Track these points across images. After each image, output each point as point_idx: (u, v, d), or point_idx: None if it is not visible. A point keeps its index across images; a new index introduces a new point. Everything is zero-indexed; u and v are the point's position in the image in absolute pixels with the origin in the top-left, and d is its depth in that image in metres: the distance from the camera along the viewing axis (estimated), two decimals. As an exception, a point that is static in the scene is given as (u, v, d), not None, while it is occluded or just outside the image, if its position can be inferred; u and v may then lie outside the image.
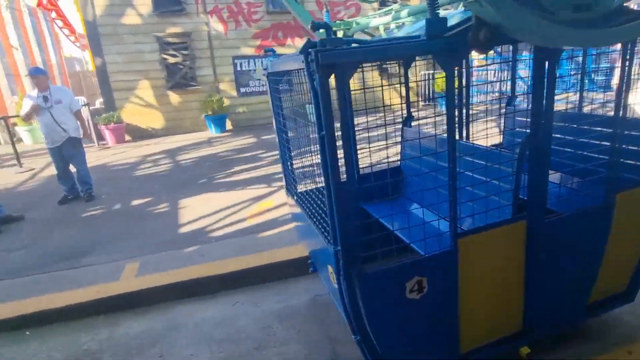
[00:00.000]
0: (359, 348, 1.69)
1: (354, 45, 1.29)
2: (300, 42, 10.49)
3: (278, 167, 5.79)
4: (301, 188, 2.40)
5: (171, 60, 9.53)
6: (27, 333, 2.54)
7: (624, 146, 1.76)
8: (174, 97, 9.85)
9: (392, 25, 3.01)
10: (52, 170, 5.12)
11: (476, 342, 1.81)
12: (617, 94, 1.65)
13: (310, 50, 1.22)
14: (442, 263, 1.56)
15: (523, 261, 1.73)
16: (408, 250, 1.72)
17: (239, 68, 10.17)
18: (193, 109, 9.95)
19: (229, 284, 2.93)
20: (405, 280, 1.52)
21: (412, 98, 11.82)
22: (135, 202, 4.75)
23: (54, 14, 16.04)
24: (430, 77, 11.67)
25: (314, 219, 1.99)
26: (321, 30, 1.44)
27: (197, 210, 4.30)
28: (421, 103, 12.02)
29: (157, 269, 3.03)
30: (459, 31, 1.30)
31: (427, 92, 11.89)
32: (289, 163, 2.46)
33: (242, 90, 10.34)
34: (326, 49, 1.20)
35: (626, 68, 1.60)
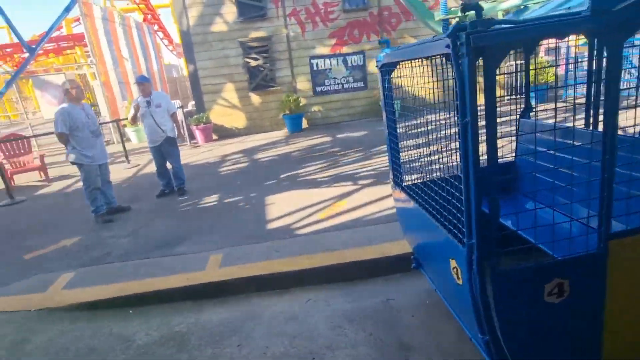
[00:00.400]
0: (484, 350, 1.62)
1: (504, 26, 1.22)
2: (375, 38, 10.34)
3: (353, 166, 5.80)
4: (408, 181, 2.39)
5: (253, 63, 10.09)
6: (131, 312, 2.92)
7: None
8: (255, 98, 10.44)
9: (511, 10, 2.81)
10: (153, 167, 5.79)
11: (621, 357, 1.64)
12: None
13: (459, 32, 1.17)
14: (589, 266, 1.44)
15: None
16: (532, 250, 1.58)
17: (315, 68, 10.38)
18: (272, 108, 10.44)
19: (302, 280, 3.01)
20: (545, 281, 1.43)
21: (499, 92, 10.96)
22: (221, 197, 5.15)
23: (156, 27, 18.14)
24: (519, 69, 10.65)
25: (432, 212, 1.92)
26: (469, 13, 1.36)
27: (275, 206, 4.50)
28: (505, 98, 11.03)
29: (238, 261, 3.24)
30: (633, 4, 1.16)
31: (515, 85, 10.86)
32: (397, 156, 2.45)
33: (318, 89, 10.54)
34: (478, 31, 1.15)
35: None
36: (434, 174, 2.11)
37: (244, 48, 10.01)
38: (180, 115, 8.74)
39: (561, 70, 10.66)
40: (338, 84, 10.58)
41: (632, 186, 1.59)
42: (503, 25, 1.22)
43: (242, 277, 3.02)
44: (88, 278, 3.30)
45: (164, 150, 5.35)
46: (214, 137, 10.40)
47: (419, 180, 2.26)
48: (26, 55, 6.88)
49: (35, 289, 3.23)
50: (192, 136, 10.14)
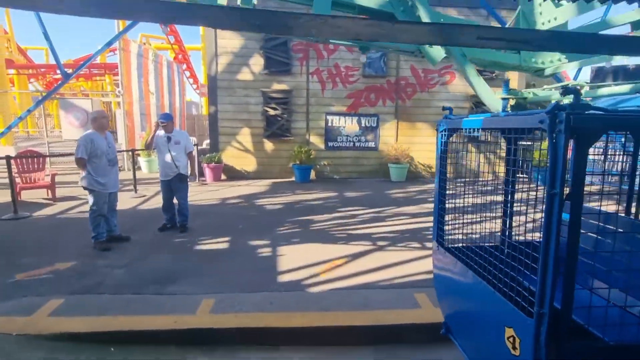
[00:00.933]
0: None
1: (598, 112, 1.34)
2: (390, 104, 10.85)
3: (359, 226, 5.83)
4: (454, 243, 2.40)
5: (271, 112, 10.55)
6: (112, 349, 2.83)
7: None
8: (269, 145, 10.76)
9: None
10: (159, 199, 5.87)
11: None
12: None
13: (558, 111, 1.31)
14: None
15: None
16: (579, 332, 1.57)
17: (329, 123, 10.81)
18: (283, 157, 10.72)
19: (293, 338, 2.93)
20: None
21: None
22: (221, 239, 5.15)
23: (184, 66, 19.29)
24: (521, 149, 10.98)
25: (486, 277, 1.91)
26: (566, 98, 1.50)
27: (273, 256, 4.49)
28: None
29: (231, 308, 3.18)
30: None
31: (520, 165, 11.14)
32: (443, 217, 2.46)
33: (330, 144, 10.88)
34: (578, 112, 1.28)
35: None
36: (479, 239, 2.22)
37: (265, 98, 10.53)
38: (194, 153, 9.00)
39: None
40: (350, 141, 10.93)
41: None
42: (596, 112, 1.34)
43: (232, 327, 2.95)
44: (76, 307, 3.24)
45: (174, 185, 5.46)
46: (223, 177, 10.59)
47: (466, 244, 2.28)
48: (58, 76, 7.29)
49: (20, 311, 3.16)
50: (201, 173, 10.34)
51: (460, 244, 2.33)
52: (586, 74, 11.13)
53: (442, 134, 2.43)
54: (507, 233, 2.16)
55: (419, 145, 11.10)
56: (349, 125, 10.86)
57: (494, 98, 3.02)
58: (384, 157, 10.64)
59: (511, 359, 1.60)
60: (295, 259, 4.40)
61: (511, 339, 1.65)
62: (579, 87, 2.64)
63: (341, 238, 5.21)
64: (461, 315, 2.33)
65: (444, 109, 2.48)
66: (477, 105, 10.94)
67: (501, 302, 1.72)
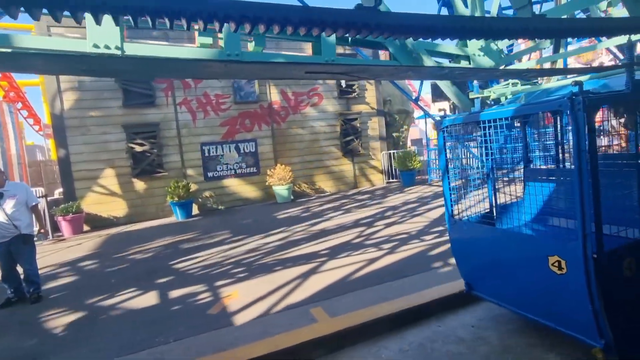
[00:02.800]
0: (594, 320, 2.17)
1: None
2: (266, 128, 11.05)
3: (243, 256, 5.65)
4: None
5: (138, 148, 9.63)
6: None
7: None
8: (139, 184, 9.76)
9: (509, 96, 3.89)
10: (-4, 270, 4.70)
11: None
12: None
13: (575, 97, 2.03)
14: None
15: None
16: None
17: (207, 154, 10.41)
18: (158, 195, 9.84)
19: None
20: (623, 258, 2.24)
21: (378, 175, 12.43)
22: (89, 301, 4.37)
23: (19, 105, 16.20)
24: (391, 157, 12.47)
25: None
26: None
27: (156, 305, 4.00)
28: (385, 181, 12.61)
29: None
30: None
31: (390, 170, 12.57)
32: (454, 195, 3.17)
33: (210, 174, 10.46)
34: (588, 95, 2.04)
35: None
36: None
37: (128, 133, 9.58)
38: (42, 205, 7.55)
39: (426, 156, 12.80)
40: (230, 169, 10.70)
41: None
42: (594, 95, 2.10)
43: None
44: None
45: (14, 249, 4.45)
46: (86, 228, 9.14)
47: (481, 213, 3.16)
48: None
49: None
50: (56, 228, 8.72)
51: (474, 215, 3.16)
52: (427, 86, 13.24)
53: (444, 130, 3.09)
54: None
55: (300, 164, 11.54)
56: (227, 153, 10.64)
57: (465, 99, 3.55)
58: (267, 180, 10.71)
59: (557, 280, 2.30)
60: (181, 302, 4.01)
61: (556, 264, 2.31)
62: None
63: (231, 270, 4.98)
64: (488, 268, 2.99)
65: (441, 116, 3.18)
66: (346, 122, 11.99)
67: (540, 240, 2.61)
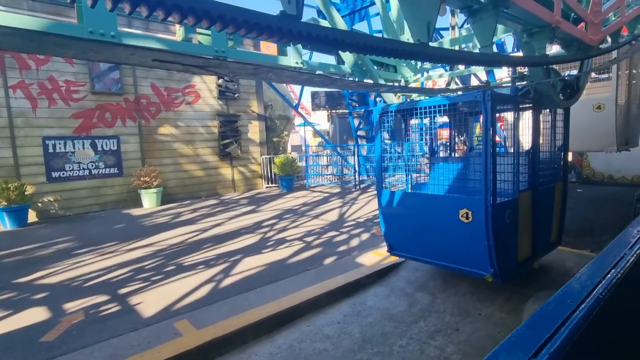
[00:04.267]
0: (481, 263, 3.28)
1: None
2: (131, 124, 9.86)
3: (92, 272, 4.84)
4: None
5: (-54, 138, 7.44)
6: None
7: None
8: (-54, 185, 7.53)
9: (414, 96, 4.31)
10: None
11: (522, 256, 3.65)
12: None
13: (485, 93, 3.13)
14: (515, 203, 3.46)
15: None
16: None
17: (51, 150, 8.69)
18: (-23, 198, 7.75)
19: None
20: (507, 209, 3.34)
21: (257, 180, 12.32)
22: None
23: None
24: (271, 162, 12.54)
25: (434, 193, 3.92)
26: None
27: (-41, 341, 3.07)
28: (264, 185, 12.60)
29: None
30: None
31: (269, 174, 12.61)
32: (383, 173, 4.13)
33: (55, 174, 8.75)
34: (490, 93, 3.13)
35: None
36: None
37: None
38: None
39: (308, 162, 13.23)
40: (84, 169, 9.16)
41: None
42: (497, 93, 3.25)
43: None
44: None
45: None
46: None
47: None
48: None
49: None
50: None
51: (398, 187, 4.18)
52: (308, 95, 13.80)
53: (380, 117, 4.00)
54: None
55: (172, 166, 10.63)
56: (80, 150, 9.09)
57: (393, 98, 4.15)
58: (132, 182, 9.52)
59: (464, 227, 3.29)
60: (5, 331, 3.19)
61: (464, 215, 3.29)
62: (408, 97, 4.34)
63: (75, 289, 4.21)
64: (408, 229, 3.90)
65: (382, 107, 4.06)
66: (225, 124, 11.58)
67: (454, 198, 3.48)
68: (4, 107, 8.12)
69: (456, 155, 4.68)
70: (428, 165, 4.48)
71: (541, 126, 3.86)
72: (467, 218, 3.26)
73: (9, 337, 3.12)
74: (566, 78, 3.78)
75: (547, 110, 3.95)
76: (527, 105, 3.75)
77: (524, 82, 3.48)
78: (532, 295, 3.53)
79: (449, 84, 5.32)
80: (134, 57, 1.15)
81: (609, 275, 1.05)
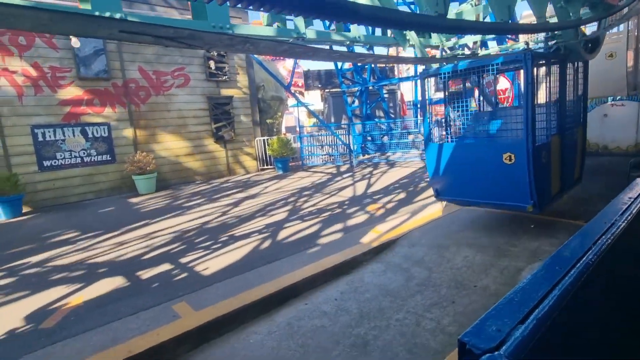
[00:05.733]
0: (522, 197, 3.99)
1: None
2: (121, 110, 9.69)
3: (94, 255, 4.84)
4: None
5: None
6: None
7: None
8: (-64, 177, 7.43)
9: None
10: None
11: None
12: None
13: (526, 54, 3.71)
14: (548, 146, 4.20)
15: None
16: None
17: (40, 138, 8.55)
18: (-31, 190, 7.67)
19: None
20: (543, 150, 4.04)
21: (252, 162, 12.26)
22: None
23: None
24: (264, 143, 12.44)
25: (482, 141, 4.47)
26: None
27: (-41, 331, 3.10)
28: (258, 168, 12.54)
29: None
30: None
31: (264, 157, 12.54)
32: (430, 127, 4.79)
33: (46, 163, 8.64)
34: (532, 54, 3.76)
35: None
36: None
37: None
38: None
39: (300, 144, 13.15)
40: (76, 156, 9.05)
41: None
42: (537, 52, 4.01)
43: None
44: None
45: None
46: None
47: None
48: None
49: None
50: None
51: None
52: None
53: (423, 80, 4.68)
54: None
55: (165, 151, 10.53)
56: (70, 138, 8.95)
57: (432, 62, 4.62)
58: (125, 169, 9.44)
59: (508, 167, 3.91)
60: (3, 319, 3.21)
61: (508, 157, 3.89)
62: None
63: (75, 274, 4.21)
64: (455, 175, 4.52)
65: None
66: (217, 107, 11.41)
67: (499, 143, 4.11)
68: (-11, 96, 7.92)
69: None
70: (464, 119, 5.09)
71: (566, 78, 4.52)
72: (510, 160, 3.88)
73: (9, 325, 3.14)
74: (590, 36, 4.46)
75: (570, 64, 4.63)
76: (555, 61, 4.37)
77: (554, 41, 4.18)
78: (525, 268, 3.58)
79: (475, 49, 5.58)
80: (101, 30, 1.09)
81: (599, 242, 1.04)
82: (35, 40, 8.42)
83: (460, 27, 1.99)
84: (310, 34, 3.86)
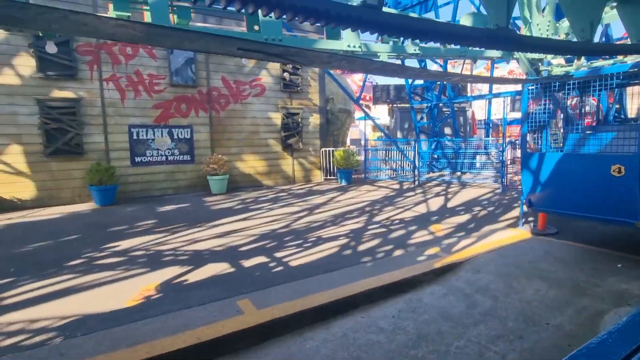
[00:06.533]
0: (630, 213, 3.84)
1: None
2: (203, 115, 10.58)
3: (174, 245, 5.35)
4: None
5: (53, 125, 8.63)
6: None
7: None
8: (54, 165, 8.75)
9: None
10: None
11: None
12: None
13: None
14: None
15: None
16: None
17: (135, 137, 9.67)
18: (76, 177, 8.92)
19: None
20: None
21: (316, 172, 12.56)
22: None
23: None
24: (329, 154, 12.69)
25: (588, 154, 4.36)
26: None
27: (58, 291, 3.62)
28: (322, 177, 12.80)
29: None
30: None
31: (328, 167, 12.78)
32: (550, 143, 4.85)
33: (138, 159, 9.74)
34: None
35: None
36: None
37: (42, 107, 8.52)
38: None
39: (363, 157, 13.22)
40: (162, 155, 10.07)
41: None
42: None
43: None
44: None
45: None
46: (-18, 210, 7.97)
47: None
48: None
49: None
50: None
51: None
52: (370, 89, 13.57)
53: (531, 91, 4.64)
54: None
55: (237, 155, 11.23)
56: (159, 138, 9.99)
57: (533, 72, 4.61)
58: (202, 169, 10.27)
59: (615, 181, 3.80)
60: (96, 295, 3.69)
61: (617, 170, 3.78)
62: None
63: (155, 261, 4.69)
64: (553, 185, 4.45)
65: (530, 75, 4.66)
66: (287, 116, 11.94)
67: (608, 156, 3.99)
68: (99, 97, 9.19)
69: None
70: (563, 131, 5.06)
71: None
72: (619, 172, 3.78)
73: (99, 301, 3.59)
74: None
75: None
76: None
77: None
78: (608, 311, 3.22)
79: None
80: (223, 47, 1.27)
81: None
82: (139, 50, 9.60)
83: (605, 51, 2.07)
84: (410, 49, 4.17)
